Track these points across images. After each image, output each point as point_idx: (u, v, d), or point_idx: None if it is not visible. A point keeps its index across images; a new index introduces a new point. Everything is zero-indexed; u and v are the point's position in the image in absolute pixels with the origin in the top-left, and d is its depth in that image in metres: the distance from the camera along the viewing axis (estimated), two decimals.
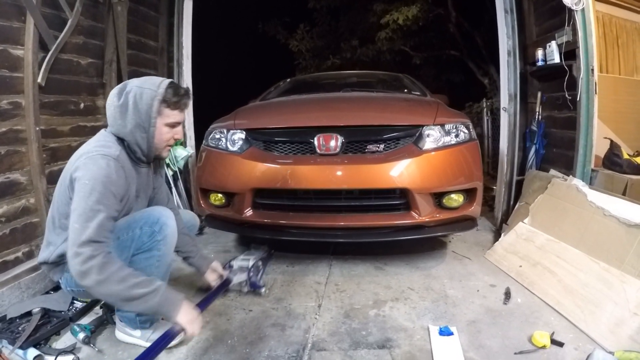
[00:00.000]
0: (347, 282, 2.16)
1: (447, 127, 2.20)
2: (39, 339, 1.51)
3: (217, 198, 2.31)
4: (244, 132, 2.28)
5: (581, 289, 1.79)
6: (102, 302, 1.82)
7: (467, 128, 2.27)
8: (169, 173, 2.95)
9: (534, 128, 2.69)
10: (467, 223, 2.24)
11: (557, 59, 2.33)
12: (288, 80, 3.84)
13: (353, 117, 2.26)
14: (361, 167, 2.05)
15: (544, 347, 1.49)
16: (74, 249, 1.20)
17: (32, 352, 1.44)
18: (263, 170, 2.11)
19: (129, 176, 1.43)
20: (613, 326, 1.54)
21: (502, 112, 2.82)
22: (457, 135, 2.20)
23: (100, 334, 1.66)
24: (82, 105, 2.39)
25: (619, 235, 1.81)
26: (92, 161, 1.32)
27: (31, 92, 1.95)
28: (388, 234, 2.14)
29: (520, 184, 2.80)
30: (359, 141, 2.14)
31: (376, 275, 2.24)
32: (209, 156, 2.34)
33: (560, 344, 1.50)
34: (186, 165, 3.23)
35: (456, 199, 2.15)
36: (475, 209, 2.22)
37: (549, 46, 2.39)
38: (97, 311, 1.82)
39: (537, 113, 2.68)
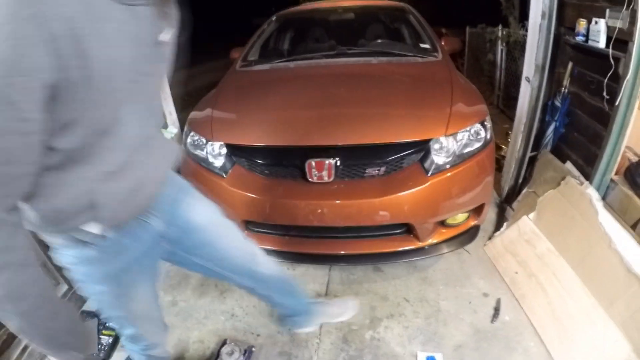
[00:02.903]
0: (346, 290, 2.28)
1: (460, 136, 1.97)
2: None
3: None
4: (224, 146, 2.09)
5: (566, 318, 1.88)
6: None
7: (484, 126, 2.04)
8: None
9: (557, 103, 2.35)
10: (470, 233, 2.19)
11: (602, 44, 1.88)
12: (273, 19, 3.51)
13: (350, 136, 1.99)
14: (359, 203, 1.92)
15: None
16: None
17: None
18: (251, 202, 2.00)
19: (95, 23, 0.68)
20: None
21: (523, 81, 2.44)
22: (472, 143, 1.99)
23: None
24: None
25: (617, 275, 1.79)
26: None
27: None
28: (388, 258, 2.15)
29: (532, 160, 2.62)
30: (357, 164, 1.97)
31: (375, 280, 2.35)
32: (192, 170, 2.15)
33: None
34: None
35: (462, 216, 2.09)
36: (481, 218, 2.16)
37: (596, 22, 1.89)
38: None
39: (564, 87, 2.30)
